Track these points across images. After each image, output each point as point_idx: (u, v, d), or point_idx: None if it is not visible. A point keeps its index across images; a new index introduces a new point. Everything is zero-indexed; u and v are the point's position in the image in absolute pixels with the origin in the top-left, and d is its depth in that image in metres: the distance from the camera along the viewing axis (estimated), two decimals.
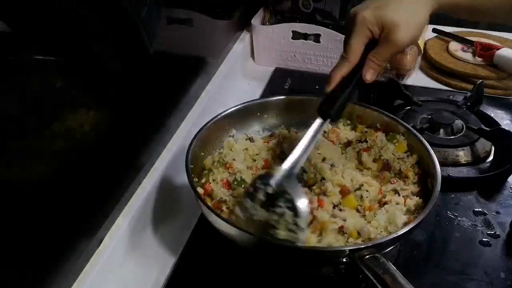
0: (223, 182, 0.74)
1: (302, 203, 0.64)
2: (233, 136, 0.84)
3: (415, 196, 0.73)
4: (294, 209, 0.63)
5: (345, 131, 0.86)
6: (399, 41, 0.68)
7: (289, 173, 0.66)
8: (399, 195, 0.73)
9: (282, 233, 0.63)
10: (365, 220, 0.69)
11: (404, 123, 0.83)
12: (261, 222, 0.64)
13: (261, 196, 0.65)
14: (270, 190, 0.64)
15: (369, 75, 0.69)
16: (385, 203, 0.72)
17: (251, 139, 0.84)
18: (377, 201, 0.73)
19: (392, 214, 0.69)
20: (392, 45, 0.68)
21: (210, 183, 0.74)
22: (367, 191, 0.72)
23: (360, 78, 0.70)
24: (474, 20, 0.87)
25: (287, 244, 0.64)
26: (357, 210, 0.72)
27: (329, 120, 0.69)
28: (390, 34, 0.68)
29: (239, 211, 0.66)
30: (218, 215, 0.66)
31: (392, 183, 0.75)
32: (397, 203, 0.71)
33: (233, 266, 0.74)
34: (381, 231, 0.67)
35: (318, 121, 0.69)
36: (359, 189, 0.73)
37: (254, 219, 0.64)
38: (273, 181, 0.65)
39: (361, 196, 0.72)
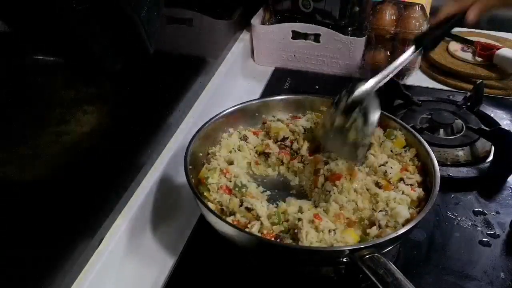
0: (223, 189, 0.73)
1: (373, 115, 0.73)
2: (231, 136, 0.84)
3: (418, 188, 0.74)
4: (365, 117, 0.72)
5: None
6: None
7: (370, 90, 0.74)
8: (405, 183, 0.74)
9: (351, 136, 0.73)
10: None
11: (404, 123, 0.83)
12: (337, 128, 0.74)
13: (342, 105, 0.74)
14: (349, 100, 0.73)
15: (472, 14, 0.76)
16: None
17: (244, 137, 0.83)
18: (387, 181, 0.75)
19: (394, 210, 0.69)
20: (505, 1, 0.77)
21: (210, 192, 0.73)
22: (391, 167, 0.76)
23: (461, 18, 0.76)
24: None
25: (286, 244, 0.65)
26: (377, 184, 0.74)
27: (421, 48, 0.75)
28: None
29: (325, 119, 0.77)
30: (218, 216, 0.67)
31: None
32: (402, 192, 0.72)
33: (232, 267, 0.74)
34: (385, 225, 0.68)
35: (411, 49, 0.75)
36: (383, 165, 0.76)
37: (335, 125, 0.74)
38: (354, 93, 0.73)
39: (385, 172, 0.75)
